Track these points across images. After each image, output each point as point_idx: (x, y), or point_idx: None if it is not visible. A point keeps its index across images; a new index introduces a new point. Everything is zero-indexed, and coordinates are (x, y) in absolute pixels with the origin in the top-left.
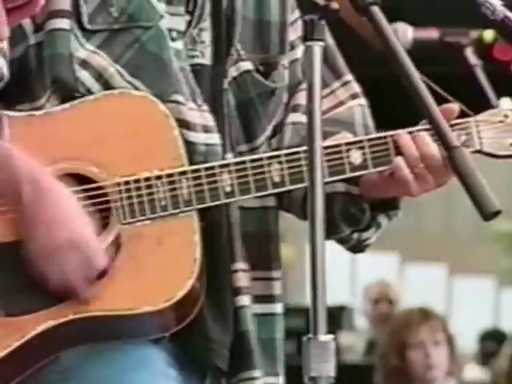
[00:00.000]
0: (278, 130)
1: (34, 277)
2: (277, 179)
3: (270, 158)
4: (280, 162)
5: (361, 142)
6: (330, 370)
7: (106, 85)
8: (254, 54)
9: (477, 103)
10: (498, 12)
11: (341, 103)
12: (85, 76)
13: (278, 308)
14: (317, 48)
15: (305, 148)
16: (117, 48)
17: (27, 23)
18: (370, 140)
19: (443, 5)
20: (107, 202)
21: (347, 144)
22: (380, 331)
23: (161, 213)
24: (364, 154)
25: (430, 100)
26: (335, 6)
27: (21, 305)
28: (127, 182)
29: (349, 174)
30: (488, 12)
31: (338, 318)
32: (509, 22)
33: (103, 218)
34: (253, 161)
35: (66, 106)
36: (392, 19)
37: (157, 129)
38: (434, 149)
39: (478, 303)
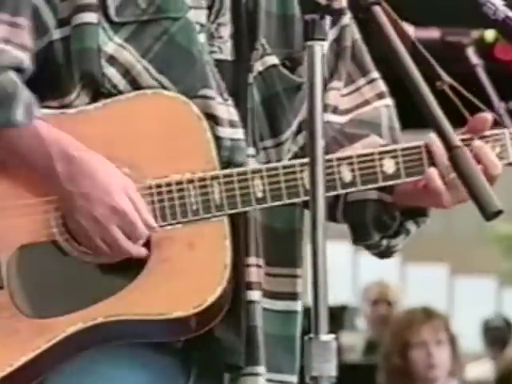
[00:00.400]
0: (304, 126)
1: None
2: (308, 186)
3: (302, 164)
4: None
5: (394, 151)
6: (331, 369)
7: (133, 82)
8: (278, 48)
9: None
10: (500, 12)
11: (366, 102)
12: (112, 72)
13: (299, 306)
14: (318, 48)
15: (338, 155)
16: (145, 40)
17: (49, 17)
18: (403, 149)
19: (444, 4)
20: None
21: (380, 153)
22: (379, 332)
23: (192, 217)
24: (397, 163)
25: (431, 99)
26: (337, 5)
27: (51, 307)
28: (159, 186)
29: (381, 183)
30: (489, 12)
31: (339, 317)
32: (510, 22)
33: None
34: (285, 167)
35: (99, 104)
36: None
37: (189, 131)
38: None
39: (479, 303)
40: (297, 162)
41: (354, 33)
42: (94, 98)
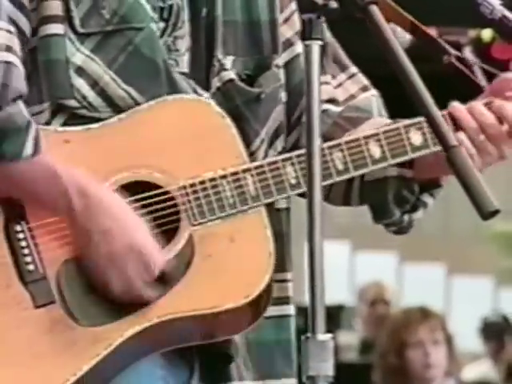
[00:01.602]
0: (282, 130)
1: (97, 286)
2: (340, 167)
3: (331, 147)
4: (342, 150)
5: (419, 122)
6: (328, 369)
7: (101, 92)
8: (246, 56)
9: None
10: (497, 11)
11: (352, 97)
12: (80, 83)
13: (292, 309)
14: (315, 47)
15: (363, 134)
16: (110, 51)
17: (26, 27)
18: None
19: (441, 4)
20: (175, 205)
21: (406, 126)
22: (377, 332)
23: (230, 211)
24: (424, 133)
25: (428, 98)
26: (334, 4)
27: (103, 314)
28: (193, 185)
29: (411, 155)
30: (486, 11)
31: (336, 317)
32: (507, 21)
33: (173, 222)
34: None
35: (122, 116)
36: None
37: (215, 129)
38: (491, 117)
39: (476, 302)
40: (325, 145)
41: (326, 30)
42: (63, 109)
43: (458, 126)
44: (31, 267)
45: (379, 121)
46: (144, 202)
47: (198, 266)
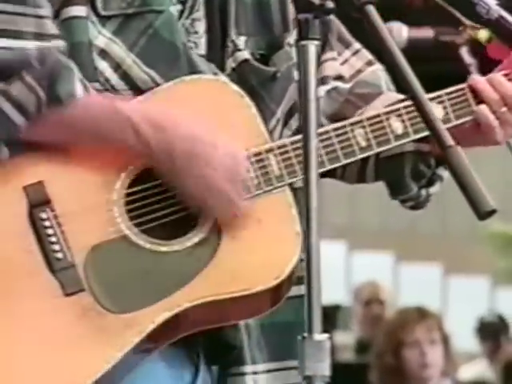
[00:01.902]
0: (296, 109)
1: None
2: (363, 144)
3: (352, 124)
4: (364, 127)
5: (439, 96)
6: (325, 369)
7: (124, 75)
8: (258, 36)
9: None
10: (493, 11)
11: (359, 72)
12: (103, 66)
13: (303, 289)
14: (312, 47)
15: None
16: (131, 34)
17: (49, 10)
18: (448, 94)
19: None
20: None
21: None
22: (373, 332)
23: (256, 192)
24: (445, 107)
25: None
26: (330, 4)
27: (134, 301)
28: None
29: (395, 143)
30: (483, 11)
31: (332, 317)
32: (503, 21)
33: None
34: (336, 129)
35: (141, 98)
36: (387, 18)
37: (234, 109)
38: (511, 87)
39: (472, 303)
40: (346, 122)
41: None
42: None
43: (478, 98)
44: (59, 255)
45: (391, 96)
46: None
47: (225, 248)
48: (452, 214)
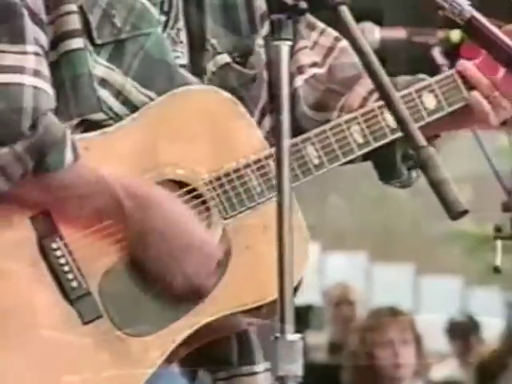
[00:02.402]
0: (267, 109)
1: (158, 285)
2: (360, 140)
3: (347, 121)
4: (359, 123)
5: (430, 85)
6: (297, 369)
7: (126, 101)
8: (226, 37)
9: None
10: (465, 12)
11: (331, 49)
12: (105, 95)
13: None
14: (285, 48)
15: (378, 104)
16: (124, 59)
17: (46, 43)
18: (438, 82)
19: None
20: (204, 202)
21: (417, 91)
22: (344, 332)
23: (259, 200)
24: (436, 96)
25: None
26: (304, 5)
27: (152, 322)
28: (218, 178)
29: (428, 119)
30: (455, 12)
31: (305, 317)
32: (476, 22)
33: (204, 219)
34: (332, 128)
35: (135, 115)
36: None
37: (229, 118)
38: (502, 72)
39: (445, 303)
40: (341, 119)
41: None
42: (89, 123)
43: (469, 84)
44: (74, 284)
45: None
46: None
47: (237, 259)
48: (424, 215)
